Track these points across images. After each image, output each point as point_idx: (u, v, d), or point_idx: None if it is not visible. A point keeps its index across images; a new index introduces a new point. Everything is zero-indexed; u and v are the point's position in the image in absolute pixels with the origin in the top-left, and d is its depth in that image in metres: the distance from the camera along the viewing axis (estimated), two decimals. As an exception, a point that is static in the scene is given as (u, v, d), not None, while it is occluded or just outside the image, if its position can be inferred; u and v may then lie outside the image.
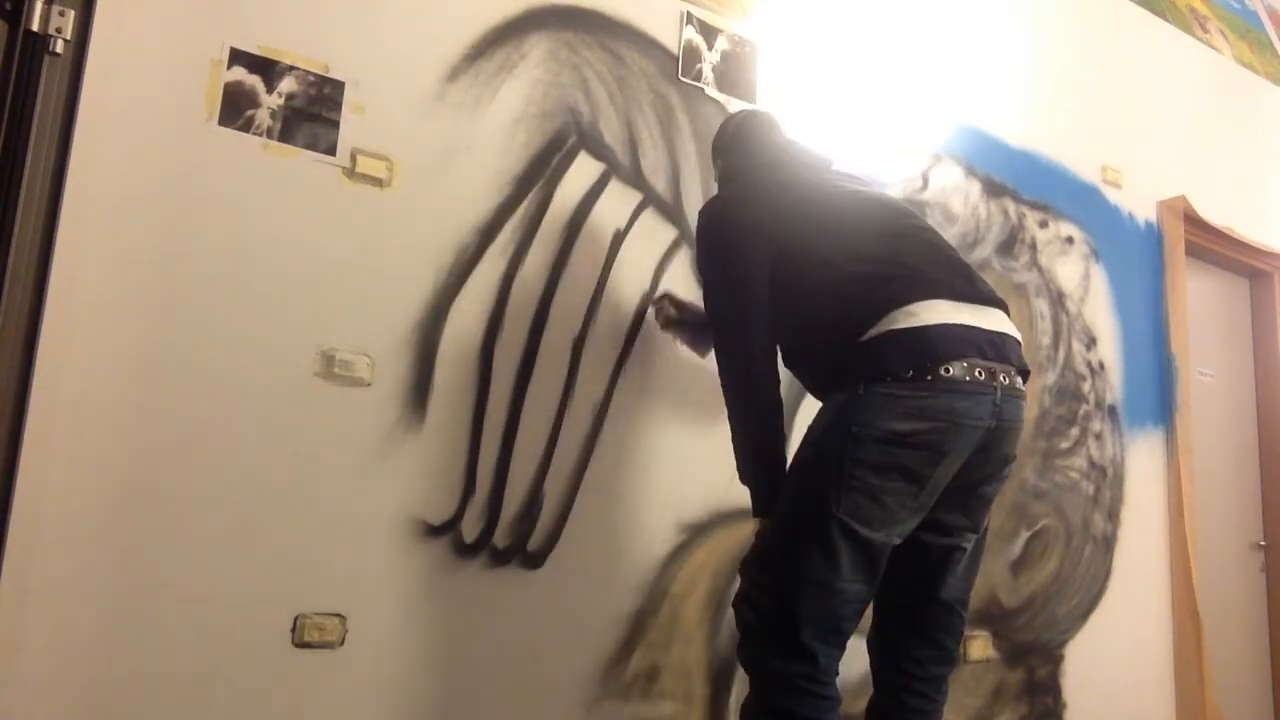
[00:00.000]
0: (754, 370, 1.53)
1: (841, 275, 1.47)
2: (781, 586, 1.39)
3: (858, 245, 1.50)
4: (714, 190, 2.10)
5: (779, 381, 1.55)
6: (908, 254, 1.49)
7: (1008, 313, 1.50)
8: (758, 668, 1.43)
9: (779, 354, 1.58)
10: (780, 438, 1.54)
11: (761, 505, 1.53)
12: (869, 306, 1.41)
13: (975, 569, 1.57)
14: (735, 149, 1.82)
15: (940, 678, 1.55)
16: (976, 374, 1.38)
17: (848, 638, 1.43)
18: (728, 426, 1.58)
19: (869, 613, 1.55)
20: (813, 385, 1.59)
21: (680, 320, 1.93)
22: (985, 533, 1.57)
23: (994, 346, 1.42)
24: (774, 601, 1.40)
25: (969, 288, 1.46)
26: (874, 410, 1.36)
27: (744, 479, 1.57)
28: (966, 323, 1.41)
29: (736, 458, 1.57)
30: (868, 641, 1.60)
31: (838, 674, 1.42)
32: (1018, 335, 1.49)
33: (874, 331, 1.38)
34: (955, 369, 1.36)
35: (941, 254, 1.53)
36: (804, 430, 1.50)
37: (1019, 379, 1.46)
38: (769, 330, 1.53)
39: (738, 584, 1.50)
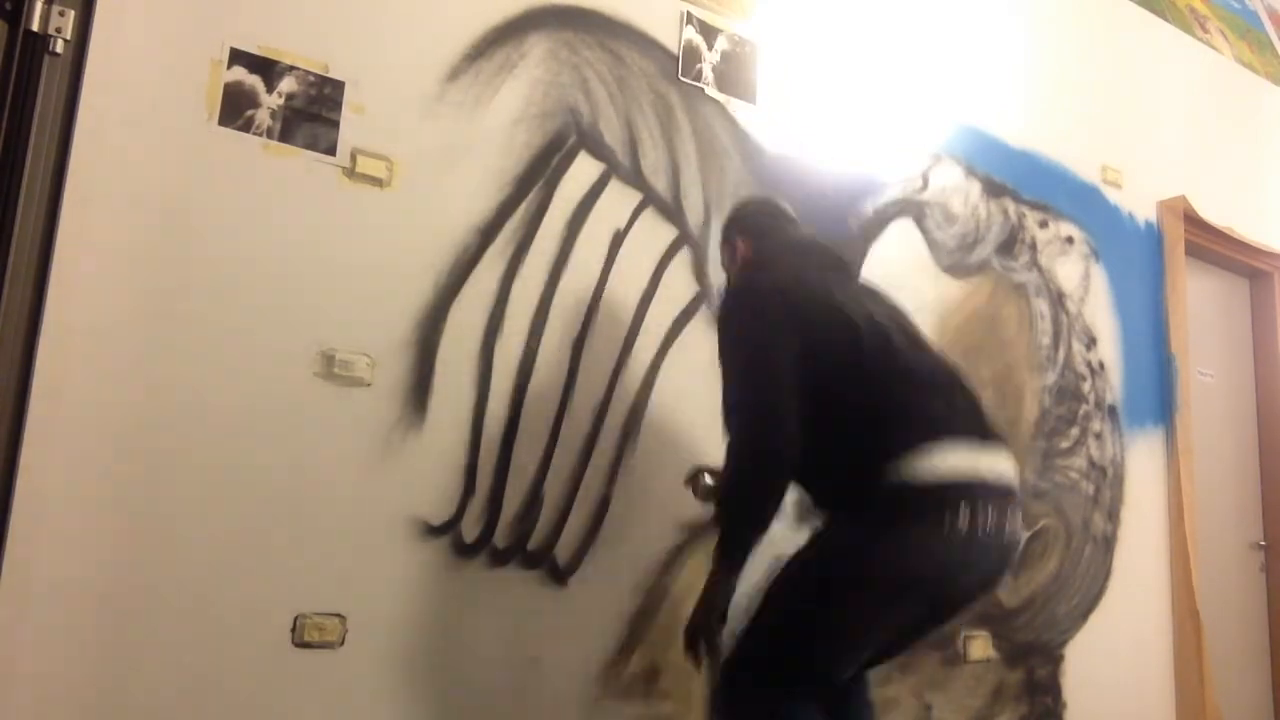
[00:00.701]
0: (780, 460, 1.46)
1: (867, 400, 1.48)
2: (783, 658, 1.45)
3: (881, 370, 1.50)
4: (714, 197, 2.11)
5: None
6: (932, 389, 1.52)
7: (1005, 441, 1.57)
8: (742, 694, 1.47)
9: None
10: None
11: (737, 553, 1.50)
12: (891, 443, 1.43)
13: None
14: (764, 232, 1.75)
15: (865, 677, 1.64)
16: (986, 525, 1.42)
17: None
18: (728, 463, 1.49)
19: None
20: (812, 493, 1.60)
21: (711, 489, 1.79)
22: None
23: (1000, 490, 1.47)
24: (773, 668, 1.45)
25: (979, 429, 1.51)
26: (896, 553, 1.40)
27: (730, 542, 1.51)
28: (979, 467, 1.46)
29: (730, 527, 1.51)
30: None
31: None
32: (1012, 467, 1.53)
33: (895, 473, 1.41)
34: (966, 518, 1.40)
35: (955, 389, 1.56)
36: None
37: (1016, 515, 1.50)
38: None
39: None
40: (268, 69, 1.63)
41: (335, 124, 1.68)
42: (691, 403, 1.99)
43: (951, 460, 1.44)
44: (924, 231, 2.49)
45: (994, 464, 1.49)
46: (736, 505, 1.50)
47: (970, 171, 2.62)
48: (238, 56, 1.60)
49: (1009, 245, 2.67)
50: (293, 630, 1.55)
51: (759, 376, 1.49)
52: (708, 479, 1.78)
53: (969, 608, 1.57)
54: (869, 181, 2.39)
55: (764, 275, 1.65)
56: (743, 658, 1.47)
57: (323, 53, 1.68)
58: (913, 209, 2.47)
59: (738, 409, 1.50)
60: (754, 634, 1.48)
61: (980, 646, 2.43)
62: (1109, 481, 2.82)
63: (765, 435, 1.46)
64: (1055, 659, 2.62)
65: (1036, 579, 2.60)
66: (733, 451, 1.47)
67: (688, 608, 1.54)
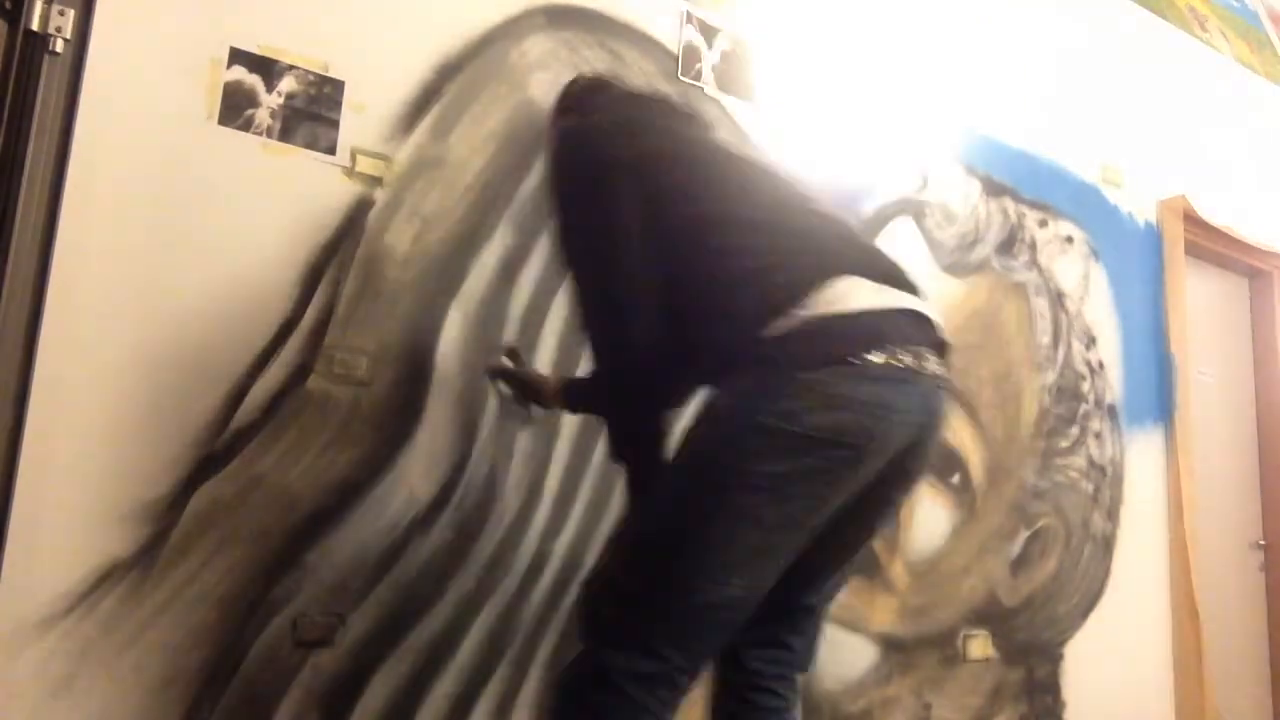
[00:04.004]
0: (630, 336, 1.28)
1: (743, 246, 1.26)
2: (652, 583, 1.18)
3: (760, 214, 1.30)
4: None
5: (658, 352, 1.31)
6: (818, 230, 1.32)
7: (923, 297, 1.34)
8: (598, 661, 1.19)
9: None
10: (665, 404, 1.35)
11: (631, 457, 1.36)
12: (783, 290, 1.21)
13: (848, 573, 1.41)
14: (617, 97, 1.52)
15: (788, 676, 1.37)
16: (907, 362, 1.20)
17: (714, 649, 1.25)
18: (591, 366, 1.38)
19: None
20: (698, 370, 1.33)
21: (516, 375, 1.70)
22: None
23: (921, 330, 1.26)
24: (632, 596, 1.20)
25: (887, 270, 1.30)
26: (789, 399, 1.14)
27: (619, 454, 1.37)
28: (892, 305, 1.24)
29: (610, 428, 1.38)
30: None
31: (689, 682, 1.21)
32: (937, 318, 1.31)
33: (784, 319, 1.19)
34: (882, 355, 1.18)
35: (851, 232, 1.38)
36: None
37: (943, 365, 1.29)
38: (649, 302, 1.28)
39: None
40: (267, 68, 1.63)
41: (335, 123, 1.68)
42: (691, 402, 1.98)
43: (857, 295, 1.22)
44: (923, 231, 2.49)
45: (909, 301, 1.27)
46: (610, 410, 1.37)
47: (970, 171, 2.62)
48: (238, 56, 1.60)
49: (1009, 245, 2.67)
50: (293, 630, 1.55)
51: (600, 265, 1.30)
52: (506, 360, 1.66)
53: (906, 474, 1.28)
54: (869, 181, 2.39)
55: (592, 119, 1.40)
56: (608, 579, 1.24)
57: (322, 52, 1.69)
58: (912, 208, 2.47)
59: (585, 309, 1.34)
60: (622, 552, 1.26)
61: (980, 646, 2.44)
62: (1108, 481, 2.83)
63: (618, 337, 1.29)
64: (1055, 658, 2.62)
65: (1036, 578, 2.60)
66: (591, 353, 1.34)
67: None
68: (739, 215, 1.29)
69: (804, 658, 1.38)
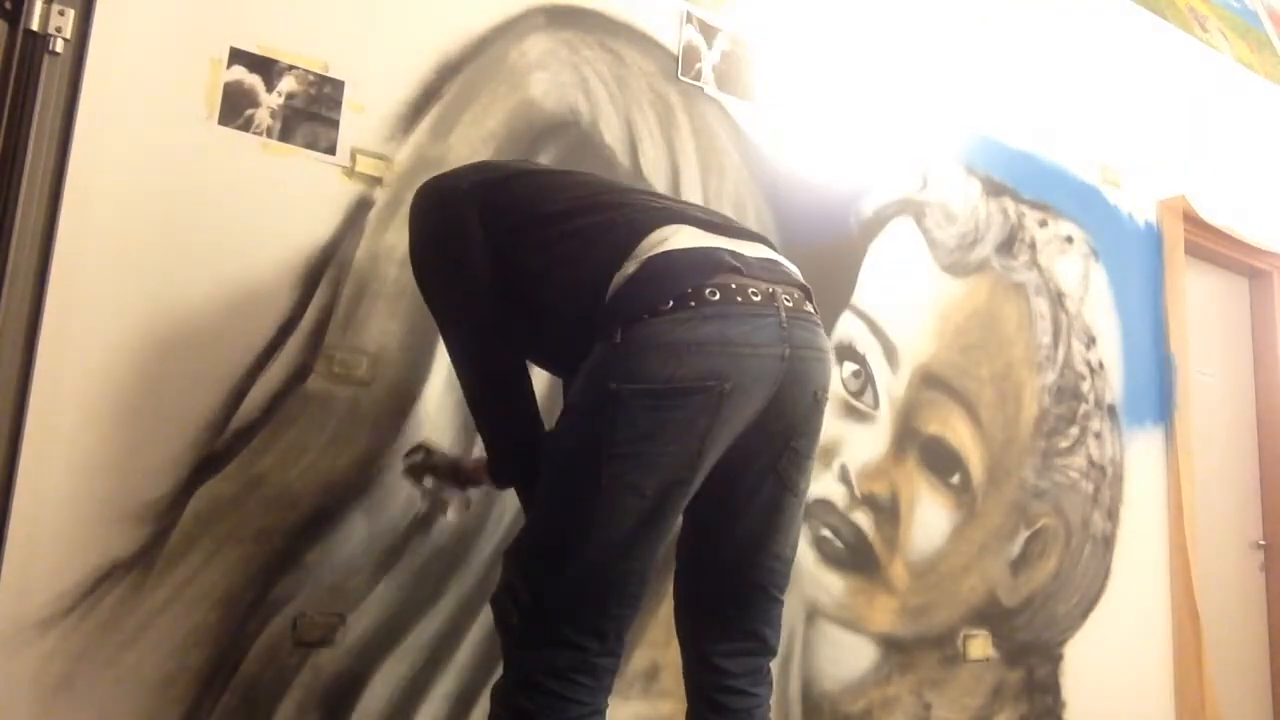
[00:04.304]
0: (485, 334, 1.28)
1: (568, 229, 1.24)
2: (543, 576, 1.17)
3: (581, 198, 1.29)
4: (713, 196, 2.11)
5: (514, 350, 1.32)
6: (643, 198, 1.30)
7: (773, 247, 1.30)
8: (516, 666, 1.18)
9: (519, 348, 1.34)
10: (527, 396, 1.32)
11: (513, 474, 1.35)
12: (607, 251, 1.18)
13: (791, 544, 1.32)
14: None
15: (759, 669, 1.31)
16: (750, 294, 1.14)
17: (625, 624, 1.21)
18: None
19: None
20: (569, 367, 1.28)
21: (433, 466, 1.62)
22: (801, 504, 1.31)
23: (765, 268, 1.20)
24: (533, 596, 1.17)
25: (724, 222, 1.28)
26: (631, 357, 1.11)
27: (499, 465, 1.37)
28: (726, 246, 1.19)
29: (485, 436, 1.37)
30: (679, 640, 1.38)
31: (612, 663, 1.20)
32: (789, 264, 1.27)
33: (619, 275, 1.16)
34: (721, 291, 1.12)
35: (687, 203, 1.36)
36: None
37: (807, 303, 1.23)
38: (501, 318, 1.28)
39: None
40: (267, 68, 1.63)
41: (335, 123, 1.68)
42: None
43: (681, 237, 1.17)
44: (924, 231, 2.49)
45: (753, 248, 1.23)
46: (484, 434, 1.35)
47: (970, 171, 2.62)
48: (237, 56, 1.60)
49: (1009, 245, 2.67)
50: (293, 629, 1.55)
51: (447, 272, 1.30)
52: (421, 454, 1.60)
53: (794, 413, 1.21)
54: (869, 181, 2.39)
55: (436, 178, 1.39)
56: (514, 548, 1.21)
57: (322, 52, 1.69)
58: (912, 208, 2.47)
59: (437, 313, 1.35)
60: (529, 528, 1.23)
61: (979, 646, 2.44)
62: (1108, 481, 2.83)
63: (461, 313, 1.30)
64: (1055, 658, 2.62)
65: (1036, 578, 2.60)
66: (452, 352, 1.35)
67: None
68: (559, 208, 1.27)
69: (774, 645, 1.33)
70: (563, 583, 1.15)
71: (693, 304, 1.11)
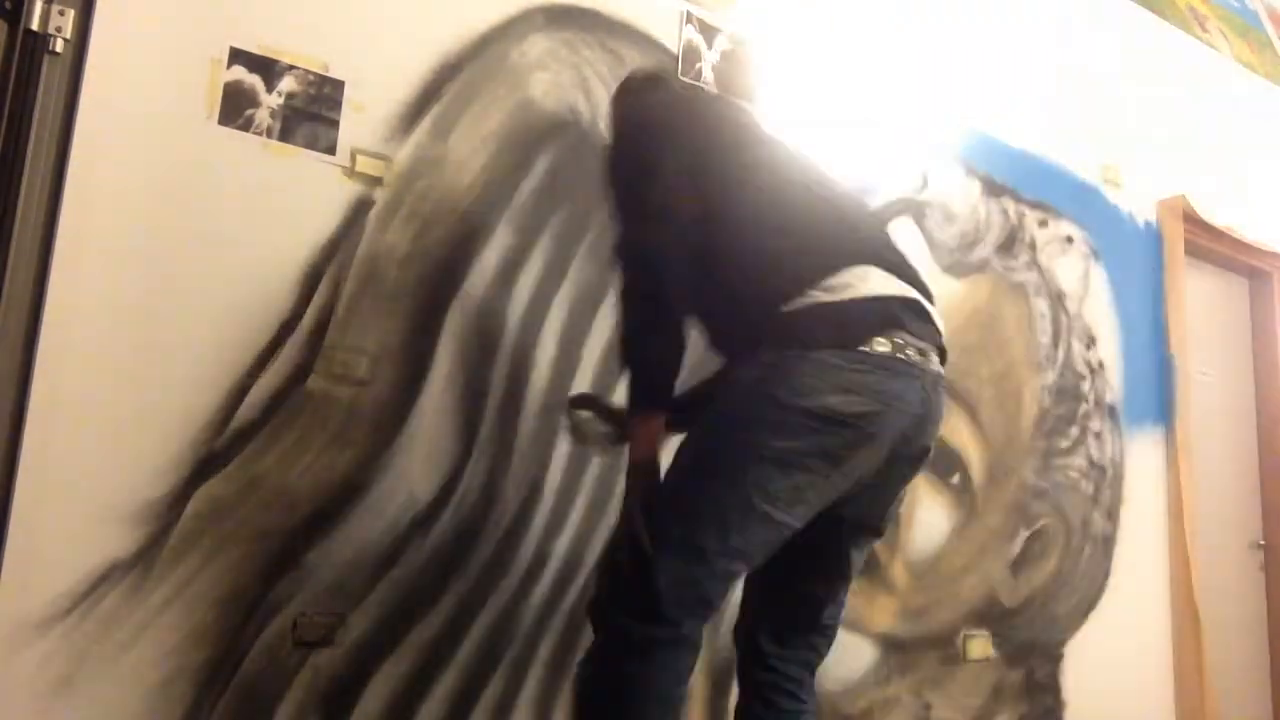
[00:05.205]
0: (668, 276, 1.33)
1: (771, 227, 1.34)
2: (666, 537, 1.24)
3: (791, 197, 1.39)
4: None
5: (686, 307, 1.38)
6: (843, 216, 1.40)
7: (932, 300, 1.40)
8: (610, 626, 1.26)
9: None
10: (682, 346, 1.36)
11: (649, 400, 1.37)
12: (799, 269, 1.29)
13: (859, 569, 1.46)
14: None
15: (810, 680, 1.45)
16: (908, 354, 1.27)
17: (713, 613, 1.29)
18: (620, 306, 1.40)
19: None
20: (717, 339, 1.43)
21: (601, 406, 1.70)
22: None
23: (922, 323, 1.32)
24: (640, 561, 1.24)
25: (902, 264, 1.38)
26: (807, 375, 1.22)
27: (637, 388, 1.38)
28: (899, 294, 1.31)
29: (633, 371, 1.38)
30: (734, 636, 1.49)
31: (699, 644, 1.29)
32: (940, 323, 1.39)
33: (804, 298, 1.27)
34: (890, 344, 1.26)
35: (868, 220, 1.46)
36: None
37: (941, 363, 1.36)
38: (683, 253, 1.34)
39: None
40: (268, 68, 1.63)
41: (335, 123, 1.68)
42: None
43: (869, 281, 1.29)
44: (924, 231, 2.49)
45: (916, 296, 1.35)
46: (631, 345, 1.38)
47: (970, 171, 2.62)
48: (237, 56, 1.60)
49: (1008, 245, 2.67)
50: (293, 629, 1.55)
51: (646, 204, 1.36)
52: (592, 418, 1.66)
53: (905, 467, 1.35)
54: (869, 181, 2.39)
55: (650, 93, 1.51)
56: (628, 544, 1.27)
57: (322, 52, 1.69)
58: (912, 208, 2.47)
59: (624, 244, 1.40)
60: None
61: (980, 646, 2.44)
62: (1108, 481, 2.83)
63: (650, 264, 1.34)
64: (1055, 658, 2.62)
65: (1036, 578, 2.60)
66: (621, 293, 1.38)
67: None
68: (777, 194, 1.37)
69: (824, 655, 1.46)
70: (676, 549, 1.23)
71: (864, 349, 1.24)
